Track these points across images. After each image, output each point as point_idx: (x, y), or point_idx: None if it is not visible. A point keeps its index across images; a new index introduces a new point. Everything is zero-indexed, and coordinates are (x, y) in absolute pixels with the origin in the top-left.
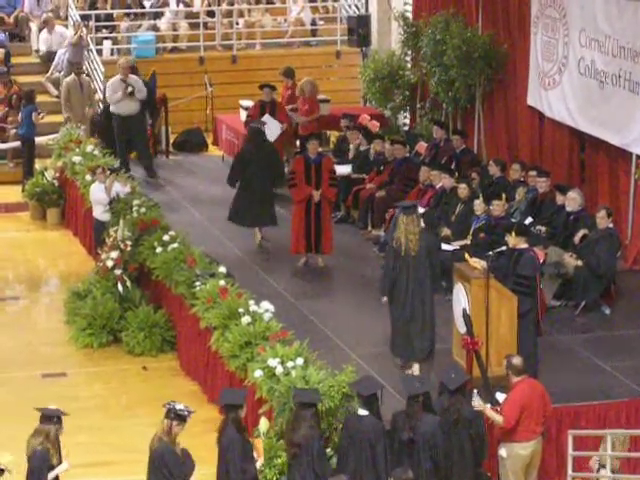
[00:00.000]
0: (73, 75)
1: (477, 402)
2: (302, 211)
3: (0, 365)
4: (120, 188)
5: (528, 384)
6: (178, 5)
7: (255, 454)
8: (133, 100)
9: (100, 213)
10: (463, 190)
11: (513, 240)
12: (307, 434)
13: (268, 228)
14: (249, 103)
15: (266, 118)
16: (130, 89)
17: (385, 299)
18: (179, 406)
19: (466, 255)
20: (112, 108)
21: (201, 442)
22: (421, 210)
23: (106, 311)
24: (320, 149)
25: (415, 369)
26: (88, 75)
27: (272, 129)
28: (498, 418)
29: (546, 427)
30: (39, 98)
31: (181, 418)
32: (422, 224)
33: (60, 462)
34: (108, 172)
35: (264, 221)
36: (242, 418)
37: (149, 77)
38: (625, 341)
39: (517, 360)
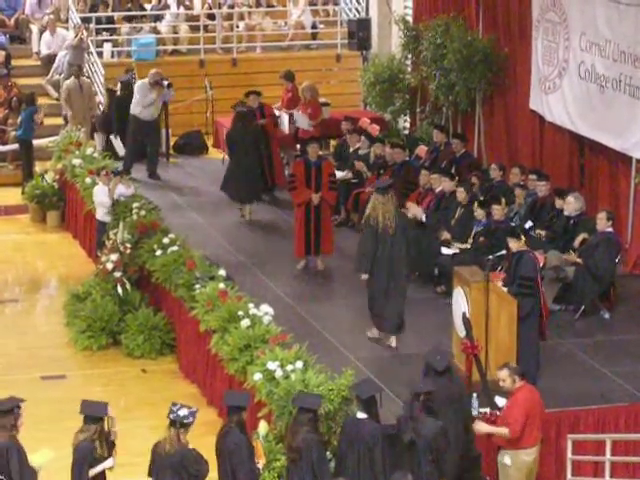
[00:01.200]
0: (73, 77)
1: (481, 426)
2: (302, 214)
3: None
4: (123, 190)
5: (529, 390)
6: (178, 8)
7: (255, 457)
8: (156, 106)
9: (102, 214)
10: (461, 194)
11: (516, 245)
12: (306, 438)
13: (270, 230)
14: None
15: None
16: (166, 82)
17: (365, 276)
18: (182, 413)
19: None
20: (135, 111)
21: (201, 444)
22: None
23: (106, 313)
24: (320, 152)
25: (392, 341)
26: (88, 77)
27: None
28: (504, 431)
29: (543, 432)
30: (39, 100)
31: (187, 425)
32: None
33: (109, 455)
34: (112, 175)
35: (251, 199)
36: (245, 420)
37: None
38: (625, 346)
39: (514, 364)
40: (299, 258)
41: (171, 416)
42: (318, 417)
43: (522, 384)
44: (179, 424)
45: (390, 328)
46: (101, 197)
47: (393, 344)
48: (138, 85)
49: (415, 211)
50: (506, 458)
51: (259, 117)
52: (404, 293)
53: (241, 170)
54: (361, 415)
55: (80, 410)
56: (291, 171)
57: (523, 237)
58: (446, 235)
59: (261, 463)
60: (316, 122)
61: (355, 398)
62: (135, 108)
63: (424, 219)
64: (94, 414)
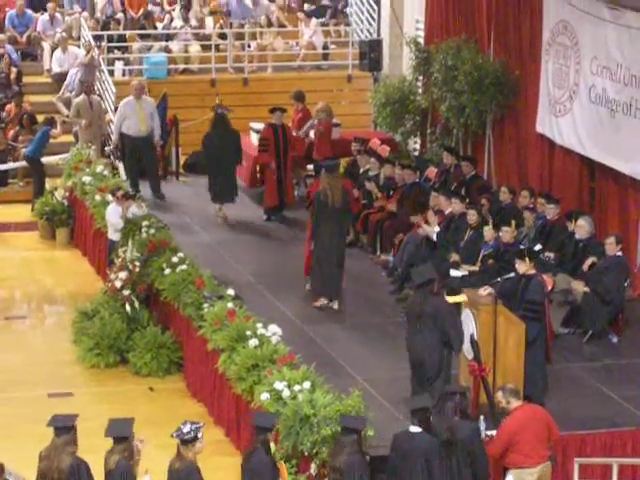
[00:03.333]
0: (83, 95)
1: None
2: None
3: (6, 384)
4: (135, 210)
5: (526, 409)
6: (185, 27)
7: (279, 479)
8: (142, 119)
9: (113, 233)
10: (472, 216)
11: (524, 267)
12: (349, 460)
13: (279, 249)
14: (260, 126)
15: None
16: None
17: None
18: (185, 429)
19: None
20: (123, 129)
21: (207, 464)
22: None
23: (114, 331)
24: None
25: (335, 304)
26: (99, 95)
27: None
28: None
29: (554, 452)
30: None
31: (187, 442)
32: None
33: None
34: (125, 199)
35: (228, 198)
36: (270, 441)
37: (160, 98)
38: (632, 370)
39: (512, 385)
40: (305, 278)
41: (174, 433)
42: (362, 438)
43: (519, 404)
44: (181, 441)
45: (329, 292)
46: (114, 218)
47: (335, 306)
48: (125, 103)
49: (427, 229)
50: (509, 477)
51: (281, 135)
52: (343, 261)
53: (219, 170)
54: (415, 429)
55: (106, 432)
56: (308, 189)
57: (528, 259)
58: (455, 257)
59: None
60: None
61: (410, 412)
62: (123, 127)
63: (434, 237)
64: (121, 434)
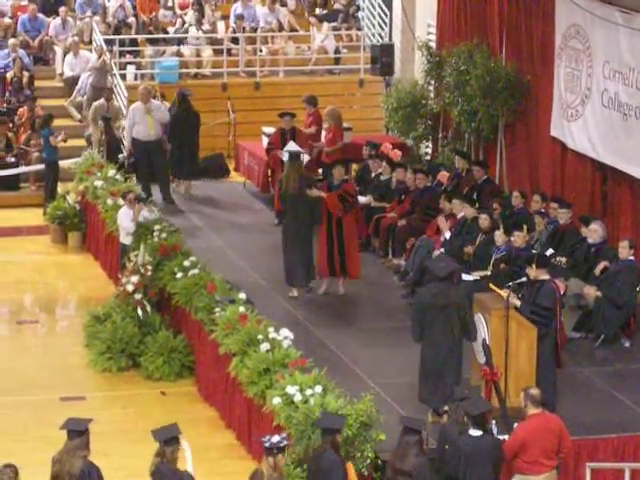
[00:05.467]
0: (103, 100)
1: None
2: (324, 233)
3: (19, 388)
4: (147, 214)
5: (539, 418)
6: (198, 31)
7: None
8: (150, 124)
9: (125, 237)
10: (484, 221)
11: (534, 272)
12: (417, 463)
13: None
14: (271, 130)
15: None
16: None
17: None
18: (275, 439)
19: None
20: (133, 133)
21: (218, 467)
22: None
23: (125, 335)
24: (346, 176)
25: (294, 292)
26: (117, 102)
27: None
28: None
29: (561, 461)
30: (62, 122)
31: (283, 449)
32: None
33: None
34: (136, 202)
35: (191, 175)
36: (339, 442)
37: (172, 103)
38: None
39: (535, 391)
40: (320, 281)
41: (266, 444)
42: (424, 439)
43: (535, 412)
44: (276, 449)
45: (296, 280)
46: (125, 221)
47: (295, 294)
48: (133, 108)
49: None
50: None
51: (289, 140)
52: (310, 247)
53: (184, 148)
54: (476, 432)
55: (153, 432)
56: None
57: (536, 265)
58: (470, 249)
59: None
60: (335, 148)
61: (469, 416)
62: (133, 131)
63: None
64: (171, 436)
